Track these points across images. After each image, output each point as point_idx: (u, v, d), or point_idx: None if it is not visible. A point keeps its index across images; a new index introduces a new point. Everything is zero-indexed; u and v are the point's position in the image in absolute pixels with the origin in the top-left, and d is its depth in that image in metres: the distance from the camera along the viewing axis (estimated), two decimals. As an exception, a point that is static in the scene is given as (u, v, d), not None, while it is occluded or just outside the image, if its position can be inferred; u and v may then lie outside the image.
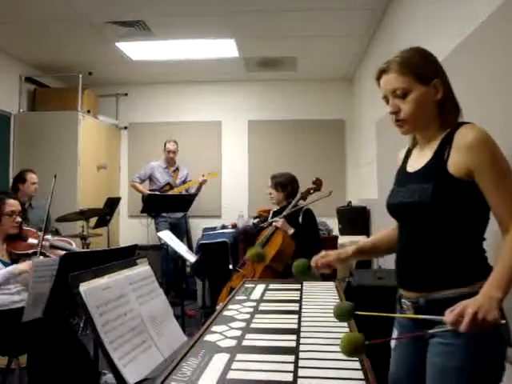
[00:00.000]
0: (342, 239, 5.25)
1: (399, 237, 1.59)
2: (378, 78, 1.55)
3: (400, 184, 1.59)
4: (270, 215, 3.87)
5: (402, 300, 1.54)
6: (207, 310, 4.94)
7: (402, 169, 1.63)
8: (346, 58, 5.99)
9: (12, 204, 3.04)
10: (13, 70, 5.85)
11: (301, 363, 1.24)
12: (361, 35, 5.13)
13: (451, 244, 1.42)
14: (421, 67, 1.47)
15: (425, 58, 1.51)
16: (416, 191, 1.46)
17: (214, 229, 6.19)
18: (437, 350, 1.40)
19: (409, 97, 1.46)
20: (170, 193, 6.03)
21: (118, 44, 5.43)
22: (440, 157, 1.45)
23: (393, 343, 1.62)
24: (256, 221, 6.12)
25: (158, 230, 5.67)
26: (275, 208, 3.89)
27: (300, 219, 3.63)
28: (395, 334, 1.61)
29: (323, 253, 1.81)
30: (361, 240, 1.83)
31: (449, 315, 1.22)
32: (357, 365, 1.21)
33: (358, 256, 1.85)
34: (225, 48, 5.58)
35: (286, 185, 3.76)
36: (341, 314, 1.46)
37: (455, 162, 1.40)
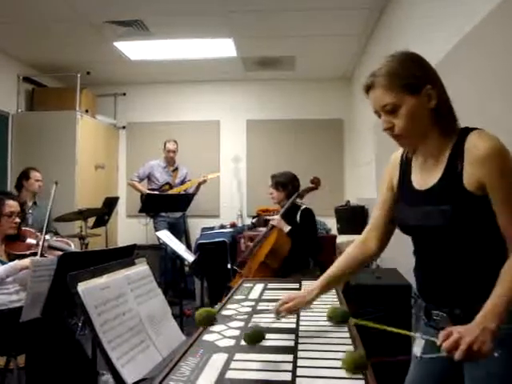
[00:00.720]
0: (340, 238, 5.25)
1: (418, 252, 1.53)
2: (367, 92, 1.43)
3: (409, 202, 1.49)
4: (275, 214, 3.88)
5: (433, 312, 1.46)
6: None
7: (406, 184, 1.52)
8: (344, 58, 5.99)
9: (11, 205, 3.04)
10: (11, 69, 5.84)
11: (299, 362, 1.24)
12: (359, 34, 5.13)
13: (476, 258, 1.35)
14: (408, 77, 1.35)
15: (412, 64, 1.38)
16: (432, 214, 1.37)
17: (213, 228, 6.19)
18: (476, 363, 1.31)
19: (400, 111, 1.35)
20: (170, 192, 6.03)
21: (116, 44, 5.42)
22: (453, 172, 1.35)
23: (418, 352, 1.46)
24: (255, 220, 6.13)
25: (156, 229, 5.66)
26: (274, 202, 3.89)
27: (298, 218, 3.64)
28: (421, 343, 1.45)
29: (286, 297, 1.63)
30: (322, 276, 1.68)
31: (445, 342, 1.20)
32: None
33: (326, 290, 1.67)
34: (223, 47, 5.57)
35: (286, 184, 3.76)
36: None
37: (469, 177, 1.31)
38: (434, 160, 1.42)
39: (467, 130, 1.37)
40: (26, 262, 2.84)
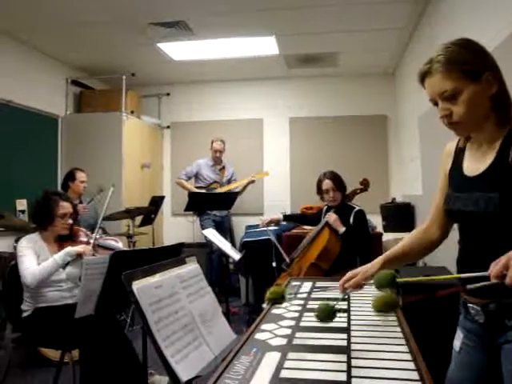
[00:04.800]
0: (386, 236, 5.17)
1: (462, 241, 1.51)
2: (422, 80, 1.41)
3: (458, 189, 1.47)
4: (324, 211, 3.82)
5: (469, 305, 1.46)
6: (251, 307, 4.96)
7: (458, 171, 1.51)
8: (387, 52, 5.90)
9: (65, 206, 3.12)
10: (60, 73, 6.03)
11: (353, 362, 1.22)
12: (402, 28, 5.03)
13: None
14: (468, 62, 1.31)
15: (472, 50, 1.35)
16: (480, 200, 1.34)
17: (257, 226, 6.20)
18: None
19: (460, 98, 1.32)
20: (218, 191, 6.08)
21: (159, 45, 5.51)
22: (504, 160, 1.32)
23: (457, 345, 1.54)
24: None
25: (202, 227, 5.72)
26: (330, 204, 3.77)
27: (351, 219, 3.56)
28: (460, 336, 1.54)
29: (348, 274, 1.66)
30: (384, 253, 1.71)
31: (493, 268, 1.13)
32: (412, 365, 1.18)
33: (387, 266, 1.66)
34: (265, 45, 5.58)
35: (343, 184, 3.68)
36: (381, 284, 1.49)
37: None
38: (487, 147, 1.41)
39: None
40: (81, 248, 2.96)
